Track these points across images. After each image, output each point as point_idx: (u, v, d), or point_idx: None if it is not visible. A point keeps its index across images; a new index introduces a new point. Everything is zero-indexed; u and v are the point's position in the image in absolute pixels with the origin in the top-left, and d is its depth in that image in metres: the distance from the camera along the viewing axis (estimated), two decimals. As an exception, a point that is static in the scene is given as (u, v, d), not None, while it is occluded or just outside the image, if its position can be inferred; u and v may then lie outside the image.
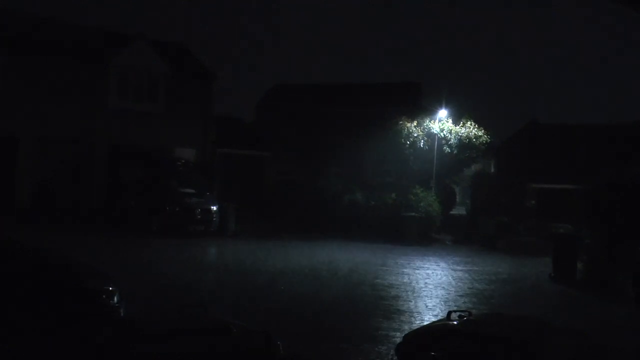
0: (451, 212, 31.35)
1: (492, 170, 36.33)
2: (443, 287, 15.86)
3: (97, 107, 26.53)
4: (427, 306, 13.55)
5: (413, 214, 25.23)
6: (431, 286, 15.89)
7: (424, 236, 25.17)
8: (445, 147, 28.14)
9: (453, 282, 16.63)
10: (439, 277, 17.45)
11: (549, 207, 27.43)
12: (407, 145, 28.34)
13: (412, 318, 12.30)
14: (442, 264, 19.78)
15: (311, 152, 32.84)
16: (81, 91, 26.18)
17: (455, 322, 6.44)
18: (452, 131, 28.25)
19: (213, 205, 23.76)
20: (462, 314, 6.64)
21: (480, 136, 28.45)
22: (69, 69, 25.92)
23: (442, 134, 28.15)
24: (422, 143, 28.31)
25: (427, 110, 29.84)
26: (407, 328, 11.27)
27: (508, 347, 5.82)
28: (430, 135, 28.24)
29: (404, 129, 28.36)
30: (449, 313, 6.73)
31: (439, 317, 12.25)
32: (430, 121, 28.45)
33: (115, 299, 9.13)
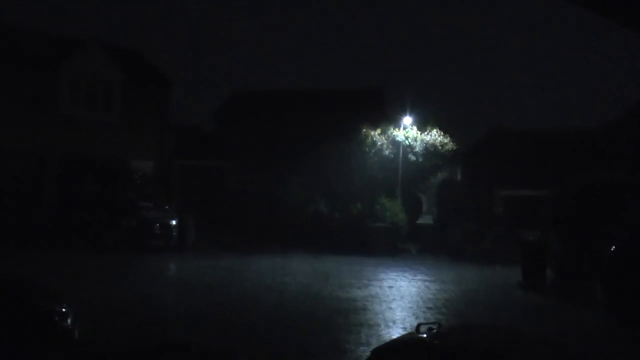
0: (418, 221, 30.98)
1: (459, 177, 36.07)
2: (410, 299, 15.48)
3: (47, 117, 25.28)
4: (394, 319, 13.19)
5: (379, 224, 24.82)
6: (398, 298, 15.51)
7: (390, 246, 24.72)
8: (410, 155, 27.73)
9: (421, 293, 16.24)
10: (406, 288, 17.05)
11: (517, 214, 27.20)
12: (372, 154, 27.86)
13: (379, 331, 11.96)
14: (409, 275, 19.34)
15: (273, 161, 32.27)
16: (29, 100, 24.92)
17: (424, 335, 6.25)
18: (417, 139, 27.86)
19: (172, 219, 23.00)
20: (432, 327, 6.45)
21: (446, 143, 28.10)
22: (16, 77, 24.71)
23: (407, 141, 27.74)
24: (387, 151, 27.85)
25: (391, 117, 29.41)
26: (374, 341, 10.99)
27: (479, 359, 5.68)
28: (395, 143, 27.80)
29: (368, 137, 27.90)
30: (418, 326, 6.48)
31: (408, 330, 11.85)
32: (394, 129, 28.02)
33: (69, 320, 8.94)
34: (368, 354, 10.09)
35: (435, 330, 6.35)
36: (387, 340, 10.44)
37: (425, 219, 33.24)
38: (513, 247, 21.46)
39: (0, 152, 23.99)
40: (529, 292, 17.25)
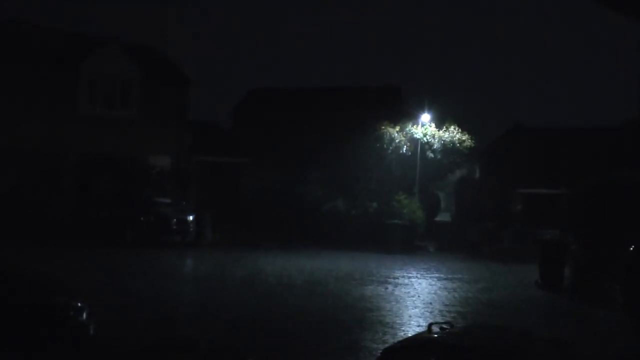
0: (435, 219, 30.84)
1: (477, 175, 35.83)
2: (426, 297, 15.42)
3: (67, 115, 25.51)
4: (410, 317, 13.14)
5: (396, 221, 24.72)
6: (414, 296, 15.45)
7: (407, 244, 24.63)
8: (428, 153, 27.59)
9: (437, 292, 16.18)
10: (423, 286, 16.98)
11: (535, 212, 26.90)
12: (390, 151, 27.75)
13: (395, 330, 11.89)
14: (426, 273, 19.27)
15: (290, 158, 32.21)
16: (49, 98, 25.15)
17: (436, 335, 6.19)
18: (435, 136, 27.72)
19: (189, 215, 23.12)
20: (444, 326, 6.43)
21: (464, 140, 27.93)
22: (37, 75, 24.90)
23: (425, 138, 27.60)
24: (404, 148, 27.73)
25: (409, 114, 29.23)
26: (389, 339, 10.95)
27: None
28: (412, 141, 27.67)
29: (386, 134, 27.78)
30: (430, 325, 6.43)
31: (422, 328, 11.80)
32: (412, 126, 27.89)
33: (84, 315, 8.88)
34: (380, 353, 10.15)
35: (447, 330, 6.30)
36: (399, 340, 10.44)
37: (443, 217, 33.11)
38: (531, 246, 21.31)
39: (21, 150, 24.25)
40: (546, 291, 17.07)
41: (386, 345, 10.47)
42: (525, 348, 5.86)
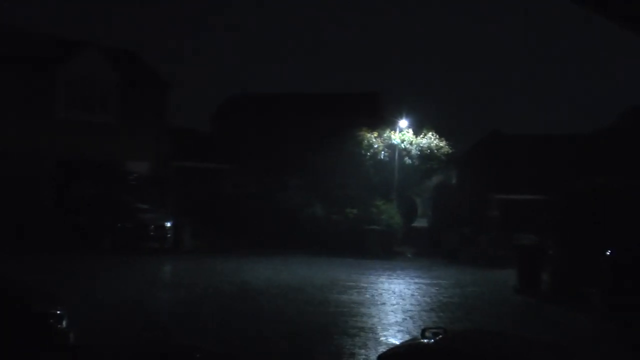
0: (413, 224, 31.01)
1: (454, 181, 36.09)
2: (407, 302, 15.48)
3: (44, 119, 25.10)
4: (392, 322, 13.20)
5: (374, 227, 24.85)
6: (395, 301, 15.53)
7: (386, 249, 24.73)
8: (406, 159, 27.77)
9: (418, 297, 16.25)
10: (403, 291, 17.06)
11: (512, 218, 27.18)
12: (368, 157, 27.89)
13: (377, 335, 11.92)
14: (406, 278, 19.37)
15: (269, 164, 32.19)
16: (26, 102, 24.69)
17: (431, 341, 6.14)
18: (413, 142, 27.92)
19: (167, 221, 22.95)
20: (437, 332, 6.35)
21: (442, 147, 28.17)
22: (12, 78, 24.47)
23: (402, 145, 27.78)
24: (382, 154, 27.89)
25: (387, 120, 29.41)
26: (372, 345, 11.01)
27: None
28: (390, 147, 27.83)
29: (365, 140, 27.92)
30: (423, 331, 6.41)
31: (407, 333, 11.89)
32: (390, 132, 28.06)
33: (64, 322, 8.73)
34: (367, 357, 10.18)
35: (440, 336, 6.25)
36: (389, 345, 10.46)
37: (420, 222, 33.26)
38: (508, 251, 21.49)
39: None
40: (524, 296, 17.23)
41: (372, 350, 10.58)
42: (523, 353, 5.83)
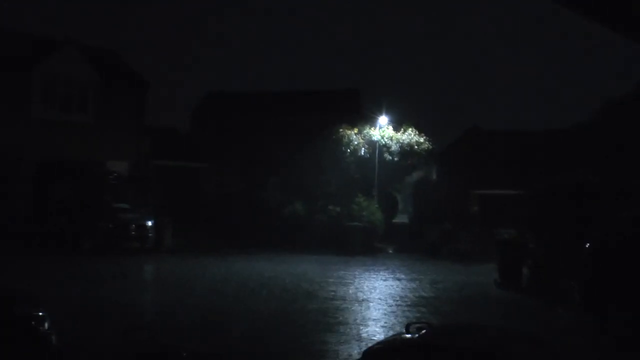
0: (394, 221, 31.15)
1: (435, 177, 36.30)
2: (389, 297, 15.53)
3: (20, 119, 24.86)
4: (373, 317, 13.23)
5: (356, 223, 24.94)
6: (377, 297, 15.58)
7: (367, 246, 24.83)
8: (386, 155, 27.87)
9: (399, 292, 16.32)
10: (385, 287, 17.13)
11: (492, 213, 27.41)
12: (348, 154, 27.94)
13: (359, 331, 11.93)
14: (387, 274, 19.44)
15: (250, 162, 32.15)
16: (2, 101, 24.54)
17: (415, 335, 6.18)
18: (393, 138, 28.02)
19: (148, 221, 22.81)
20: (421, 326, 6.41)
21: (422, 143, 28.30)
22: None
23: (383, 141, 27.88)
24: (363, 151, 27.96)
25: (367, 117, 29.51)
26: (354, 341, 11.03)
27: (474, 359, 5.65)
28: (371, 143, 27.92)
29: (345, 136, 27.98)
30: (408, 326, 6.44)
31: (388, 328, 11.95)
32: (370, 128, 28.15)
33: (46, 325, 8.55)
34: (350, 353, 10.23)
35: (425, 331, 6.30)
36: (373, 340, 10.52)
37: (401, 218, 33.44)
38: (488, 246, 21.67)
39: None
40: (505, 290, 17.37)
41: (354, 346, 10.64)
42: (504, 346, 5.89)
